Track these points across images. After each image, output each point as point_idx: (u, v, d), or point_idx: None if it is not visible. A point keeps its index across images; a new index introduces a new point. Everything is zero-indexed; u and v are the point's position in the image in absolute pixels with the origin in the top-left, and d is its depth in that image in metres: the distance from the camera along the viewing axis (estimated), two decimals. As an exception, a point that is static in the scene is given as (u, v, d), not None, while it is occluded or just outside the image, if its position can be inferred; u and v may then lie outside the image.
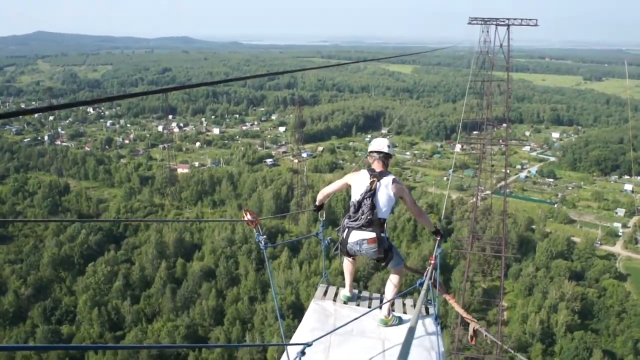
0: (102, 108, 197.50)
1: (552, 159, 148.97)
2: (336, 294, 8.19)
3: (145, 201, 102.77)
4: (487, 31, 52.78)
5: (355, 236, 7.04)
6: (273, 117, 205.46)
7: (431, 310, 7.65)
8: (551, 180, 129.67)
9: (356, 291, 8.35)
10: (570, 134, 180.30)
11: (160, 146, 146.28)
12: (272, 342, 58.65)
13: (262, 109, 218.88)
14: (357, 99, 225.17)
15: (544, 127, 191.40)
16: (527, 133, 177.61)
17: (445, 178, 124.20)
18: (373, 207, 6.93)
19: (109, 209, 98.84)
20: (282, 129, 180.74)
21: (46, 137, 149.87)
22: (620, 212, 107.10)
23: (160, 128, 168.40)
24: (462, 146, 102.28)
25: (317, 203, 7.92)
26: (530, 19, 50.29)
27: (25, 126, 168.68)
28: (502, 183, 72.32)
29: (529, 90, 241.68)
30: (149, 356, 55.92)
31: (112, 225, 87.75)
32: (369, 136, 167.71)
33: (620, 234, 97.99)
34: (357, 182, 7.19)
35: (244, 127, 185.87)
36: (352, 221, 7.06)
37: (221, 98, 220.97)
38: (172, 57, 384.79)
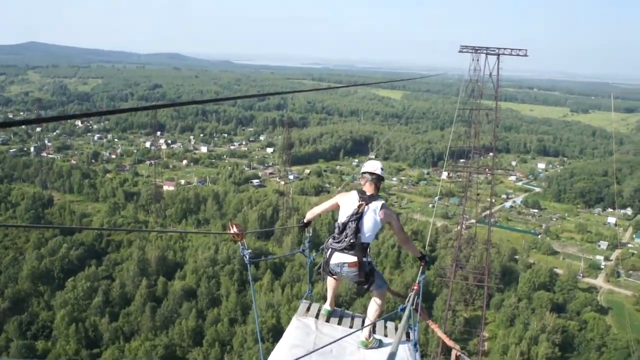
0: (91, 121, 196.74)
1: (537, 189, 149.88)
2: (319, 311, 8.12)
3: (129, 217, 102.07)
4: (477, 60, 53.29)
5: (337, 258, 7.00)
6: (261, 137, 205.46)
7: (411, 335, 7.57)
8: (536, 210, 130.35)
9: (339, 309, 8.30)
10: (555, 165, 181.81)
11: (147, 162, 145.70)
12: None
13: (251, 129, 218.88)
14: (346, 123, 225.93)
15: (530, 158, 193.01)
16: (514, 163, 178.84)
17: (430, 205, 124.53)
18: (357, 230, 6.89)
19: (92, 224, 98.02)
20: (270, 150, 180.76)
21: (32, 149, 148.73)
22: (603, 245, 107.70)
23: (147, 144, 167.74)
24: (448, 174, 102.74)
25: (305, 220, 7.86)
26: (520, 49, 50.83)
27: (12, 136, 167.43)
28: (487, 212, 72.44)
29: (516, 120, 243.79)
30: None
31: (94, 240, 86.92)
32: (357, 160, 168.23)
33: (602, 267, 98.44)
34: (346, 203, 7.16)
35: (232, 147, 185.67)
36: (335, 242, 7.03)
37: (210, 117, 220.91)
38: (163, 73, 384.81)
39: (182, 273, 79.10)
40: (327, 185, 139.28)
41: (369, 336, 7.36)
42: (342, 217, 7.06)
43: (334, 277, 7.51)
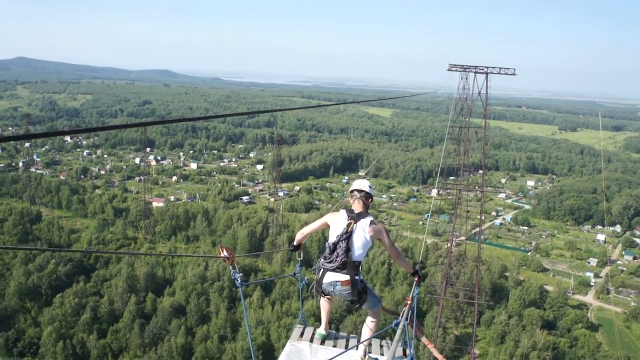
0: (80, 137, 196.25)
1: (527, 206, 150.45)
2: (313, 334, 8.05)
3: (118, 233, 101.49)
4: (466, 78, 53.68)
5: (330, 277, 6.96)
6: (251, 154, 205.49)
7: (407, 351, 7.51)
8: (525, 228, 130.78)
9: (333, 332, 8.22)
10: (545, 183, 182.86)
11: (137, 178, 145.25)
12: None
13: (241, 146, 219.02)
14: (335, 140, 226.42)
15: (520, 175, 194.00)
16: (503, 180, 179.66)
17: (420, 222, 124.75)
18: (348, 249, 6.87)
19: (80, 240, 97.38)
20: (259, 166, 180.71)
21: (21, 164, 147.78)
22: (593, 262, 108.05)
23: (137, 160, 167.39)
24: (438, 191, 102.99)
25: (295, 243, 7.82)
26: (508, 68, 51.21)
27: (0, 152, 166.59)
28: (477, 229, 72.60)
29: (505, 138, 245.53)
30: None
31: (82, 256, 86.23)
32: (347, 178, 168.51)
33: (592, 283, 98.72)
34: (335, 223, 7.14)
35: (222, 163, 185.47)
36: (327, 262, 6.99)
37: (200, 133, 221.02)
38: (152, 89, 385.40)
39: (171, 289, 78.52)
40: (317, 202, 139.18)
41: (364, 355, 7.36)
42: (332, 237, 7.04)
43: (327, 297, 7.46)
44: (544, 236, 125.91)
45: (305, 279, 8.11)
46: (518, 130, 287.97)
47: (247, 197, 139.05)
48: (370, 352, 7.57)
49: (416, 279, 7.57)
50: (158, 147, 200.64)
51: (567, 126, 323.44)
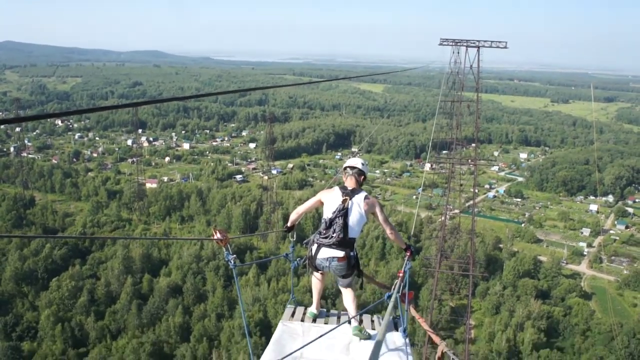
0: (71, 120, 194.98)
1: (520, 179, 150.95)
2: (304, 314, 8.11)
3: (112, 215, 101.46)
4: (458, 52, 53.47)
5: (325, 253, 7.06)
6: (244, 133, 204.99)
7: (400, 323, 7.60)
8: (519, 200, 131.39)
9: (324, 310, 8.29)
10: (537, 155, 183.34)
11: (129, 160, 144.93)
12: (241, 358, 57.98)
13: (233, 125, 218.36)
14: (328, 117, 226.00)
15: (512, 148, 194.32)
16: (496, 153, 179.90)
17: (414, 197, 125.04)
18: (345, 226, 6.97)
19: (75, 223, 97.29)
20: (252, 145, 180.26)
21: (12, 149, 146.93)
22: (586, 232, 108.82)
23: (129, 142, 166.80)
24: (431, 165, 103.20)
25: (289, 223, 7.88)
26: (500, 41, 50.99)
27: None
28: (471, 202, 72.88)
29: (497, 111, 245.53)
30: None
31: (77, 239, 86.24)
32: (339, 154, 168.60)
33: (585, 253, 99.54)
34: (330, 199, 7.20)
35: (214, 143, 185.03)
36: (322, 238, 7.09)
37: (192, 113, 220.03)
38: (143, 70, 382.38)
39: (167, 270, 78.81)
40: (311, 179, 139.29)
41: (360, 322, 7.50)
42: (327, 213, 7.13)
43: (320, 272, 7.55)
44: (537, 207, 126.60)
45: (297, 260, 8.18)
46: (510, 103, 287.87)
47: (240, 176, 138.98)
48: (362, 324, 7.66)
49: (408, 254, 7.63)
50: (150, 128, 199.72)
51: (559, 98, 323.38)
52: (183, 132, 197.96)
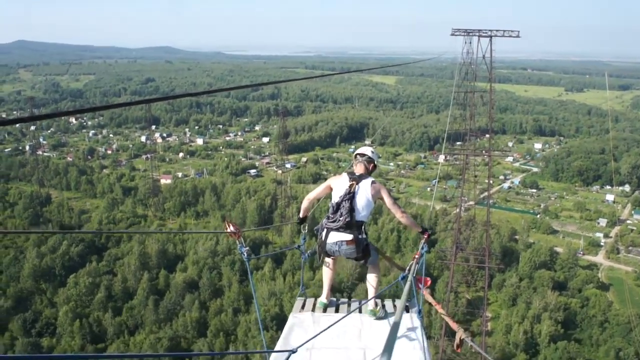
0: (85, 118, 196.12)
1: (535, 169, 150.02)
2: (314, 305, 8.10)
3: (128, 212, 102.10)
4: (470, 42, 53.05)
5: (334, 237, 7.19)
6: (257, 127, 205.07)
7: (414, 306, 7.58)
8: (534, 190, 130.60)
9: (334, 299, 8.28)
10: (552, 145, 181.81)
11: (143, 157, 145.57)
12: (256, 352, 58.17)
13: (246, 119, 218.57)
14: (340, 110, 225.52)
15: (527, 138, 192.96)
16: (510, 144, 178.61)
17: (429, 189, 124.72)
18: (352, 209, 7.08)
19: (91, 220, 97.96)
20: (265, 139, 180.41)
21: (27, 147, 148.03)
22: (602, 222, 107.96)
23: (143, 138, 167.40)
24: (445, 157, 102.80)
25: (301, 214, 7.95)
26: (512, 31, 50.60)
27: (6, 136, 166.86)
28: (486, 194, 72.58)
29: (511, 101, 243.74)
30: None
31: (94, 236, 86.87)
32: (353, 147, 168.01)
33: (602, 244, 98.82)
34: (338, 184, 7.35)
35: (228, 138, 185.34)
36: (330, 222, 7.21)
37: (205, 108, 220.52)
38: (155, 67, 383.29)
39: (183, 265, 79.21)
40: (325, 172, 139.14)
41: (376, 305, 7.58)
42: (335, 198, 7.25)
43: (331, 257, 7.62)
44: (552, 198, 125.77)
45: (309, 252, 8.18)
46: (524, 93, 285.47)
47: (254, 171, 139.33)
48: (377, 306, 7.71)
49: (425, 236, 7.63)
50: (163, 124, 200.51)
51: (573, 87, 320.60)
52: (196, 127, 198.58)
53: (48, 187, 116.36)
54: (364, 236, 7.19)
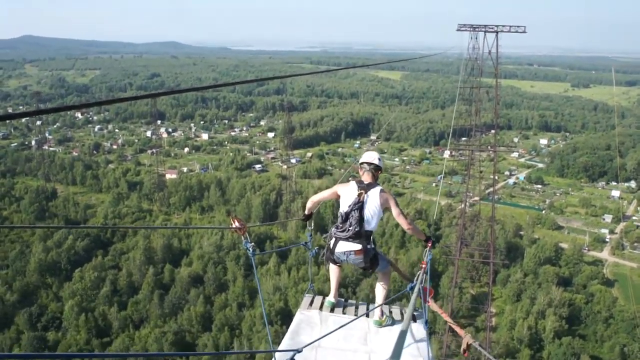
0: (90, 113, 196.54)
1: (540, 165, 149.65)
2: (322, 303, 8.14)
3: (133, 207, 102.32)
4: (476, 38, 52.98)
5: (343, 247, 7.18)
6: (262, 122, 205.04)
7: (418, 315, 7.62)
8: (539, 186, 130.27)
9: (342, 299, 8.32)
10: (558, 141, 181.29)
11: (149, 151, 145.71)
12: (260, 349, 58.40)
13: (251, 114, 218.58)
14: (346, 105, 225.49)
15: (532, 134, 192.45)
16: (516, 139, 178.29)
17: (434, 184, 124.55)
18: (361, 219, 7.05)
19: (96, 215, 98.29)
20: (271, 134, 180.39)
21: (33, 142, 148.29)
22: (608, 218, 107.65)
23: (148, 133, 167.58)
24: (451, 152, 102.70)
25: (306, 212, 8.00)
26: (518, 26, 50.50)
27: (12, 131, 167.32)
28: (491, 189, 72.51)
29: (517, 97, 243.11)
30: (137, 362, 55.43)
31: (99, 230, 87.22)
32: (358, 142, 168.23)
33: (607, 240, 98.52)
34: (346, 193, 7.28)
35: (233, 133, 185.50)
36: (339, 231, 7.19)
37: (210, 103, 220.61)
38: (160, 62, 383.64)
39: (188, 260, 79.51)
40: (330, 167, 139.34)
41: (382, 315, 7.56)
42: (343, 207, 7.21)
43: (338, 264, 7.67)
44: (558, 194, 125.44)
45: (315, 248, 8.24)
46: (530, 89, 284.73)
47: (259, 166, 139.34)
48: (390, 312, 7.77)
49: (429, 245, 7.64)
50: (169, 119, 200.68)
51: (579, 83, 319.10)
52: (202, 122, 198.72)
53: (54, 182, 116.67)
54: (372, 245, 7.22)
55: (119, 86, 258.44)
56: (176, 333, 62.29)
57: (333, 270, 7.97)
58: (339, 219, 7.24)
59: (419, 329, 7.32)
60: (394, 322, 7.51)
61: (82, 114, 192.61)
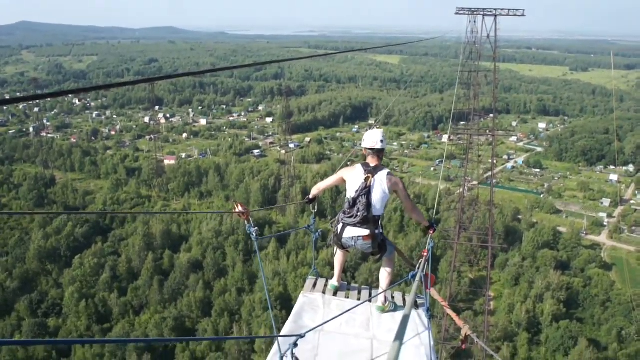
0: (88, 99, 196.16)
1: (539, 149, 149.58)
2: (325, 286, 8.17)
3: (132, 193, 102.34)
4: (475, 21, 52.78)
5: (351, 232, 7.13)
6: (260, 107, 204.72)
7: (421, 302, 7.65)
8: (537, 170, 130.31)
9: (345, 282, 8.35)
10: (556, 125, 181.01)
11: (147, 137, 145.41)
12: (260, 334, 58.67)
13: (249, 99, 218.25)
14: (344, 90, 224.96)
15: (531, 118, 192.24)
16: (514, 123, 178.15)
17: (432, 168, 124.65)
18: (368, 204, 6.97)
19: (95, 201, 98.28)
20: (269, 119, 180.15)
21: (31, 129, 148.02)
22: (606, 202, 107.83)
23: (146, 119, 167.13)
24: (449, 137, 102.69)
25: (310, 196, 7.95)
26: (517, 9, 50.32)
27: (10, 118, 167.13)
28: (489, 173, 72.55)
29: (515, 81, 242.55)
30: (137, 348, 55.72)
31: (98, 217, 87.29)
32: (357, 127, 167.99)
33: (605, 223, 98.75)
34: (352, 177, 7.20)
35: (231, 118, 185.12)
36: (347, 217, 7.13)
37: (208, 89, 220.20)
38: (158, 47, 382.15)
39: (187, 246, 79.62)
40: (328, 152, 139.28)
41: (385, 301, 7.55)
42: (350, 192, 7.12)
43: (347, 249, 7.62)
44: (556, 178, 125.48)
45: (319, 231, 8.23)
46: (528, 73, 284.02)
47: (258, 151, 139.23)
48: (393, 298, 7.79)
49: (431, 232, 7.65)
50: (167, 104, 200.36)
51: (578, 66, 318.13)
52: (200, 108, 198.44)
53: (52, 169, 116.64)
54: (380, 230, 7.18)
55: (116, 72, 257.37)
56: (176, 319, 62.49)
57: (338, 255, 7.97)
58: (346, 205, 7.17)
59: (421, 316, 7.35)
60: (396, 308, 7.55)
61: (79, 101, 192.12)
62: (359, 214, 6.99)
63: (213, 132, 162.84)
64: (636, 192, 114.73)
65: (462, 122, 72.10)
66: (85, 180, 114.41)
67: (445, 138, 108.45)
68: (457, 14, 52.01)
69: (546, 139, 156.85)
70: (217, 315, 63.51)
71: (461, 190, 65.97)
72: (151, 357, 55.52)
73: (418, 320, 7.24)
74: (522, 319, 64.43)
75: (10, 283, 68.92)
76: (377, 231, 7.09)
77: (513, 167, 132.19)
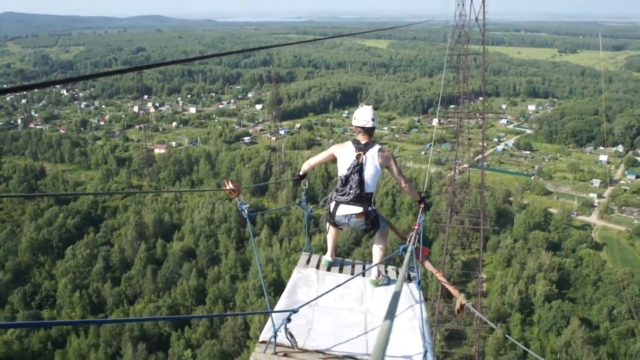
0: (76, 89, 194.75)
1: (529, 131, 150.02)
2: (319, 262, 8.20)
3: (122, 183, 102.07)
4: (463, 4, 52.61)
5: (344, 210, 7.11)
6: (249, 94, 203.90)
7: (413, 275, 7.69)
8: (528, 152, 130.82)
9: (339, 258, 8.38)
10: (546, 106, 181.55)
11: (137, 127, 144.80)
12: (256, 316, 58.83)
13: (238, 86, 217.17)
14: (333, 75, 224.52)
15: (520, 100, 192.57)
16: (504, 106, 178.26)
17: (423, 152, 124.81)
18: (361, 182, 6.95)
19: (86, 192, 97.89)
20: (258, 106, 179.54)
21: (19, 121, 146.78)
22: (596, 182, 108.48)
23: (135, 108, 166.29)
24: (439, 120, 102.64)
25: (300, 172, 7.88)
26: (505, -8, 50.20)
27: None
28: (480, 156, 72.67)
29: (504, 64, 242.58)
30: (132, 337, 55.81)
31: (89, 207, 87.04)
32: (346, 112, 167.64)
33: (595, 204, 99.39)
34: (343, 155, 7.16)
35: (221, 106, 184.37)
36: (340, 195, 7.10)
37: (197, 77, 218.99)
38: (145, 36, 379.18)
39: (180, 234, 79.55)
40: (319, 138, 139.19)
41: (379, 275, 7.56)
42: (342, 170, 7.10)
43: (340, 227, 7.62)
44: (546, 160, 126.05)
45: (311, 207, 8.22)
46: (517, 55, 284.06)
47: (248, 138, 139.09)
48: (385, 272, 7.82)
49: (422, 206, 7.66)
50: (155, 93, 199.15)
51: (567, 48, 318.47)
52: (189, 96, 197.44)
53: (42, 160, 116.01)
54: (373, 207, 7.18)
55: (103, 62, 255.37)
56: (170, 307, 62.47)
57: (331, 232, 7.96)
58: (339, 182, 7.15)
59: (413, 289, 7.38)
60: (389, 282, 7.57)
61: (67, 91, 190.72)
62: (351, 191, 6.98)
63: (203, 120, 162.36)
64: (626, 172, 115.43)
65: (451, 106, 72.08)
66: (76, 171, 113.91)
67: (435, 122, 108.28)
68: (445, -4, 51.85)
69: (536, 120, 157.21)
70: (211, 303, 63.57)
71: (452, 173, 66.03)
72: (146, 346, 55.60)
73: (410, 293, 7.27)
74: (515, 300, 64.89)
75: (3, 276, 68.65)
76: (369, 208, 7.08)
77: (503, 150, 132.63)
